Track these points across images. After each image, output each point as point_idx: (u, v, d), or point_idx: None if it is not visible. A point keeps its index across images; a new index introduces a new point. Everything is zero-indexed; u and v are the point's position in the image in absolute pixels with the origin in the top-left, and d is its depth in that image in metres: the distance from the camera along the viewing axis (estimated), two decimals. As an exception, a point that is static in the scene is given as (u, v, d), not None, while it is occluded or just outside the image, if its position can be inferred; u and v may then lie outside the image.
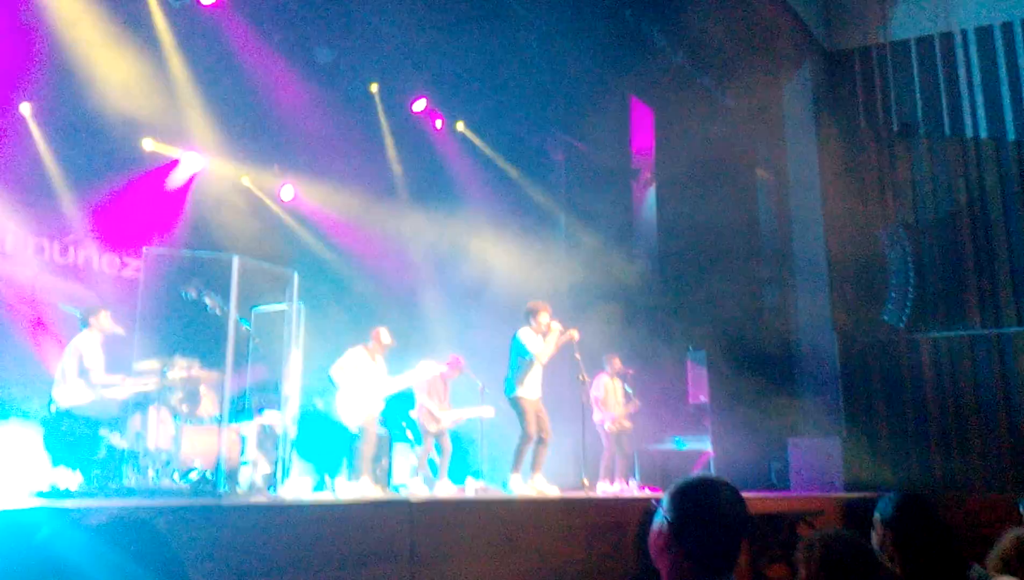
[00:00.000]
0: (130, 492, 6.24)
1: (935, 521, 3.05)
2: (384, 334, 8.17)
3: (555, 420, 8.08)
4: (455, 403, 8.97)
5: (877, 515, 3.19)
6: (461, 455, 9.38)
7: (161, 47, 8.72)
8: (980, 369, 11.12)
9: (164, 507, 4.24)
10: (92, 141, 8.64)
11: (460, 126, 11.65)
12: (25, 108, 8.39)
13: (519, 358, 7.59)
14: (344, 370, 7.96)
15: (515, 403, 7.58)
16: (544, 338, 7.60)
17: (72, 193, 8.69)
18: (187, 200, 9.73)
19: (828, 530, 2.65)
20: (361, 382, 7.95)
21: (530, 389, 7.58)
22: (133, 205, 9.21)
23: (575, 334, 7.73)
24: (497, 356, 8.34)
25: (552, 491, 7.36)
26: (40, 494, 5.99)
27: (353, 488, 7.58)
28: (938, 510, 3.10)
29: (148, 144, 9.30)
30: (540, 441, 7.55)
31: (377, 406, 8.08)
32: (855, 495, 8.66)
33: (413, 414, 8.81)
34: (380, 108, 10.80)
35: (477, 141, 11.77)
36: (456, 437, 9.11)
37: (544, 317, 7.64)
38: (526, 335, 7.61)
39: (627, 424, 9.80)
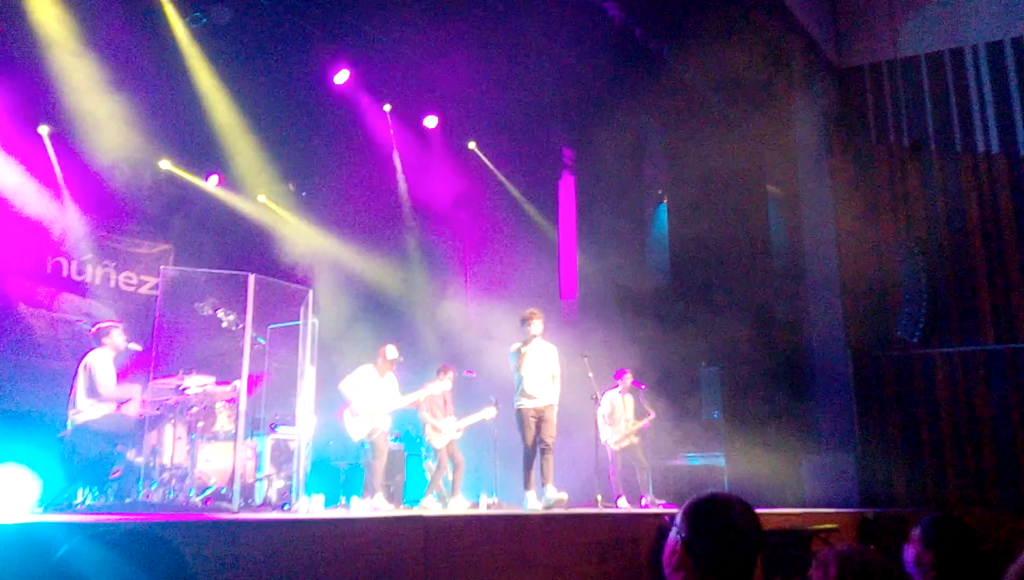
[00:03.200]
0: (146, 507, 6.29)
1: (973, 542, 3.08)
2: (390, 351, 8.25)
3: (570, 438, 8.07)
4: (463, 414, 9.00)
5: (913, 533, 3.20)
6: (475, 471, 9.39)
7: (174, 65, 8.84)
8: (994, 385, 11.04)
9: (179, 522, 4.28)
10: (112, 163, 8.75)
11: (472, 144, 11.74)
12: (43, 129, 8.52)
13: (514, 371, 7.72)
14: (352, 386, 8.03)
15: (516, 415, 7.67)
16: (530, 345, 7.65)
17: (91, 212, 8.81)
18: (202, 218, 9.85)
19: (844, 547, 2.65)
20: (368, 398, 8.02)
21: (529, 398, 7.60)
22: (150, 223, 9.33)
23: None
24: (506, 370, 8.39)
25: (562, 496, 7.34)
26: (58, 510, 6.04)
27: (367, 504, 7.61)
28: (975, 531, 3.13)
29: (165, 164, 9.44)
30: (543, 451, 7.50)
31: (385, 422, 8.12)
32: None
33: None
34: (391, 126, 10.91)
35: (489, 158, 11.85)
36: (470, 453, 9.12)
37: (536, 325, 7.69)
38: (512, 348, 7.78)
39: (635, 440, 9.78)
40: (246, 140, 9.50)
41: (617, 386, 9.92)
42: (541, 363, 7.71)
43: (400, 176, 11.17)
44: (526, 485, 7.46)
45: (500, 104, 10.86)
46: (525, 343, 7.69)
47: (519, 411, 7.61)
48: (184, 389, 7.01)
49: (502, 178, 11.84)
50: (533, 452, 7.51)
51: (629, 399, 9.97)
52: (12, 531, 3.56)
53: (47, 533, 3.56)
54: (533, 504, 7.32)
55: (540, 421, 7.56)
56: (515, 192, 11.96)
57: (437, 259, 11.18)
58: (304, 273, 9.98)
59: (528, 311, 7.84)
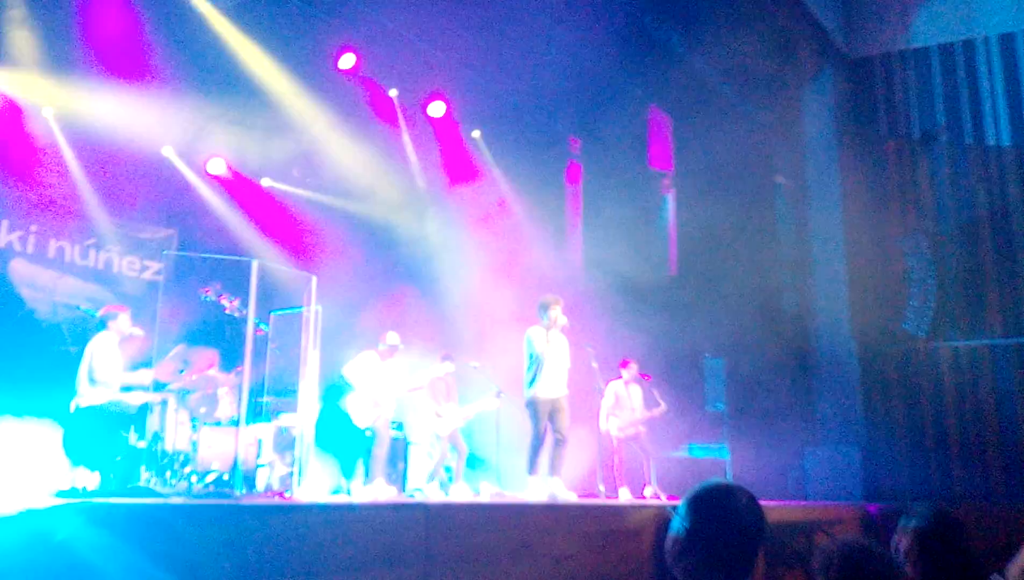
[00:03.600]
0: (148, 493, 6.29)
1: (962, 539, 3.07)
2: (391, 337, 8.26)
3: (573, 429, 8.03)
4: (465, 403, 9.00)
5: (904, 523, 3.19)
6: (477, 459, 9.38)
7: (179, 48, 8.78)
8: (1001, 378, 11.00)
9: (181, 507, 4.27)
10: (115, 147, 8.74)
11: (476, 133, 11.68)
12: (48, 112, 8.49)
13: (528, 357, 7.48)
14: (355, 371, 8.03)
15: (528, 405, 7.44)
16: (550, 333, 7.44)
17: (94, 196, 8.79)
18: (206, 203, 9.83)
19: (846, 539, 2.63)
20: (371, 384, 8.03)
21: (545, 388, 7.40)
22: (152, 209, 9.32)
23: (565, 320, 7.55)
24: (513, 358, 8.35)
25: (569, 497, 7.29)
26: (60, 494, 6.05)
27: (368, 491, 7.61)
28: (965, 528, 3.12)
29: (168, 151, 9.40)
30: (557, 442, 7.37)
31: (388, 408, 8.12)
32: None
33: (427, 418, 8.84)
34: (399, 112, 10.86)
35: (494, 145, 11.79)
36: (472, 441, 9.12)
37: (555, 312, 7.47)
38: (534, 334, 7.49)
39: (641, 429, 9.73)
40: (251, 124, 9.47)
41: (621, 377, 9.88)
42: (561, 353, 7.56)
43: (407, 161, 11.12)
44: (532, 471, 7.32)
45: (506, 91, 10.81)
46: (548, 330, 7.47)
47: (535, 399, 7.39)
48: (186, 374, 7.00)
49: (498, 171, 11.77)
50: (541, 441, 7.36)
51: (636, 389, 9.93)
52: (13, 516, 3.54)
53: (49, 517, 3.54)
54: (538, 492, 7.24)
55: (555, 411, 7.41)
56: (519, 180, 11.90)
57: (441, 246, 11.14)
58: (308, 259, 9.95)
59: (550, 297, 7.60)
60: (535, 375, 7.43)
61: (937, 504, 3.33)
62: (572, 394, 7.99)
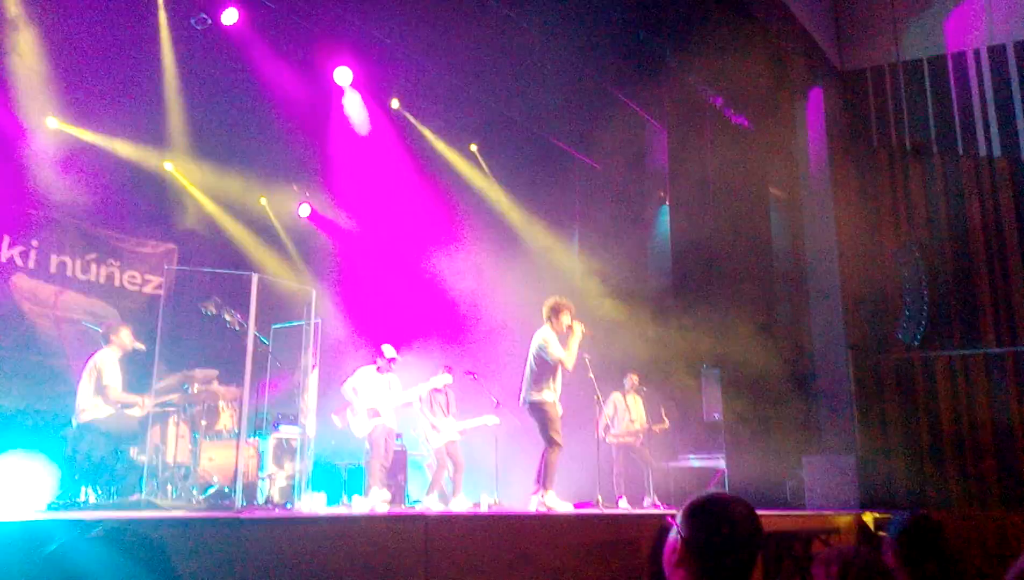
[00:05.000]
0: (149, 506, 6.31)
1: (940, 542, 3.10)
2: (387, 350, 8.40)
3: (569, 438, 8.07)
4: (463, 416, 9.04)
5: (885, 534, 3.23)
6: (476, 471, 9.42)
7: (178, 69, 8.84)
8: (995, 387, 11.05)
9: (181, 520, 4.31)
10: (114, 162, 8.79)
11: (474, 147, 11.76)
12: (52, 122, 8.52)
13: (540, 361, 7.07)
14: (353, 388, 8.16)
15: (537, 408, 7.03)
16: (565, 339, 7.09)
17: (94, 212, 8.83)
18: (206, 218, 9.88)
19: (845, 548, 2.67)
20: (369, 398, 8.12)
21: (554, 394, 7.10)
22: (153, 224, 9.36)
23: (583, 327, 7.20)
24: (507, 372, 8.38)
25: (564, 507, 7.26)
26: (59, 507, 6.07)
27: (367, 502, 7.64)
28: (945, 531, 3.14)
29: (168, 167, 9.45)
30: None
31: (387, 420, 8.19)
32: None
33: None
34: (396, 124, 10.94)
35: (491, 158, 11.86)
36: (471, 453, 9.15)
37: (566, 317, 7.13)
38: (548, 336, 7.08)
39: (640, 439, 9.77)
40: (249, 141, 9.53)
41: (623, 388, 9.95)
42: None
43: (404, 176, 11.19)
44: (548, 484, 6.97)
45: (504, 105, 10.88)
46: (563, 335, 7.10)
47: (545, 403, 7.01)
48: (187, 388, 7.03)
49: (495, 182, 11.84)
50: (558, 448, 7.02)
51: (636, 400, 9.99)
52: (10, 528, 3.58)
53: (40, 529, 3.57)
54: (557, 505, 6.97)
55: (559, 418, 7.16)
56: (516, 192, 11.97)
57: (437, 258, 11.20)
58: (308, 274, 10.01)
59: (561, 301, 7.23)
60: (543, 379, 7.06)
61: (913, 511, 3.35)
62: (571, 404, 8.03)
